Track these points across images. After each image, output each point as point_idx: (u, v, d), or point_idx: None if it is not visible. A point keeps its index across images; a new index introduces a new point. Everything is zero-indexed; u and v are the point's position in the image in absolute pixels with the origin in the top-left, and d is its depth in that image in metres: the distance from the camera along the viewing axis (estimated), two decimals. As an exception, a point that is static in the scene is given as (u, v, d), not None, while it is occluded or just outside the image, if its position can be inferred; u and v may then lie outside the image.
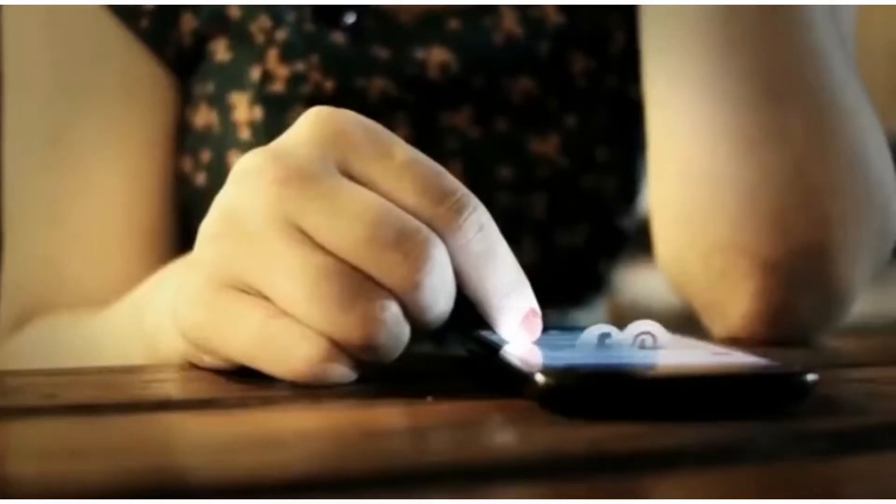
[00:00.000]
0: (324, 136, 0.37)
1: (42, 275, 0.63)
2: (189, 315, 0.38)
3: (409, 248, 0.35)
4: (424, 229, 0.36)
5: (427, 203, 0.36)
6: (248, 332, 0.36)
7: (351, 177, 0.37)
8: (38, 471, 0.27)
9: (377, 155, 0.37)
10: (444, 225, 0.36)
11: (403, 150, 0.37)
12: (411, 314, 0.36)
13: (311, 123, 0.38)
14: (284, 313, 0.36)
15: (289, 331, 0.36)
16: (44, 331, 0.61)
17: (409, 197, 0.36)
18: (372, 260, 0.35)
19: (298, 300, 0.35)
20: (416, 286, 0.35)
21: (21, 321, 0.63)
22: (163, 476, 0.26)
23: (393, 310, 0.35)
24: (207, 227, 0.38)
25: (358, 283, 0.35)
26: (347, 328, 0.35)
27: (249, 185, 0.37)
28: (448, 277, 0.36)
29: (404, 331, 0.36)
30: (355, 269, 0.35)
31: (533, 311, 0.38)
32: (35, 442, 0.31)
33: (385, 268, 0.35)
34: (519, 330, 0.38)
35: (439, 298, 0.36)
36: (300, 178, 0.36)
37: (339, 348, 0.36)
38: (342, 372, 0.36)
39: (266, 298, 0.36)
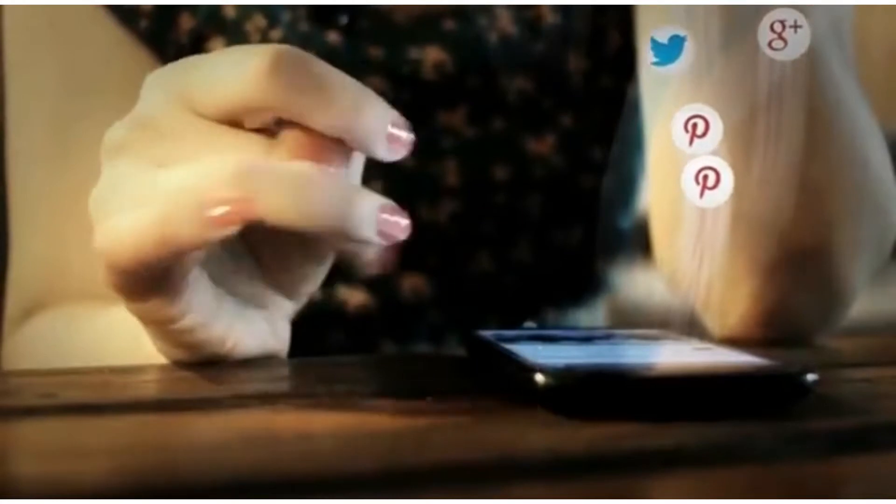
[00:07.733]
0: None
1: (48, 271, 0.63)
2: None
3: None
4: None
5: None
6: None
7: None
8: (38, 471, 0.27)
9: None
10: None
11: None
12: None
13: None
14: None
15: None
16: (54, 323, 0.61)
17: None
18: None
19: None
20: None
21: (27, 317, 0.63)
22: (163, 476, 0.26)
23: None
24: (113, 137, 0.40)
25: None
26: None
27: (153, 95, 0.39)
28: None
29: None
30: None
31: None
32: (35, 442, 0.31)
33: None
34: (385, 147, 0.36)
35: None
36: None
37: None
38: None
39: None
